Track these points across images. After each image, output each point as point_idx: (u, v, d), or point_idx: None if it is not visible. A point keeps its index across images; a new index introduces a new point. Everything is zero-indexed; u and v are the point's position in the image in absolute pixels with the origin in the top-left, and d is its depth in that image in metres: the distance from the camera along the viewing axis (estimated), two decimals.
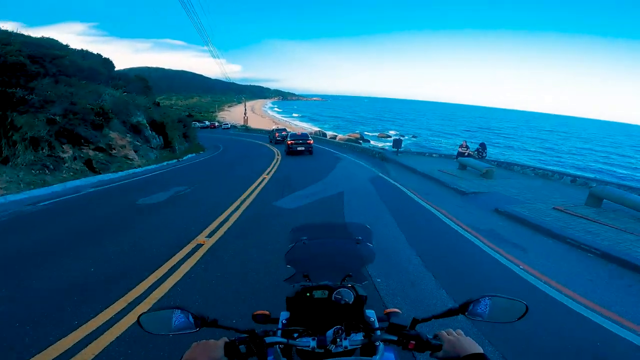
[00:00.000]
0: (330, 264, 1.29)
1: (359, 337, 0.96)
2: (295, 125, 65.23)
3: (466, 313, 0.94)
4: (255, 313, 1.15)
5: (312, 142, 18.12)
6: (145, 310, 0.92)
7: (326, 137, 41.75)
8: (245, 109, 44.96)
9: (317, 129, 44.72)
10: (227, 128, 53.26)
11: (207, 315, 0.89)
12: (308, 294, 1.15)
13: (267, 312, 1.15)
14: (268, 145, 26.15)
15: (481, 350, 0.84)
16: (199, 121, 61.34)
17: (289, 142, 17.86)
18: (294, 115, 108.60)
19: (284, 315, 1.20)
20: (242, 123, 49.68)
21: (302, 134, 19.31)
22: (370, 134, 56.61)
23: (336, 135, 47.38)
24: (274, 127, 30.16)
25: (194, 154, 19.01)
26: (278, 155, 17.59)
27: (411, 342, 0.92)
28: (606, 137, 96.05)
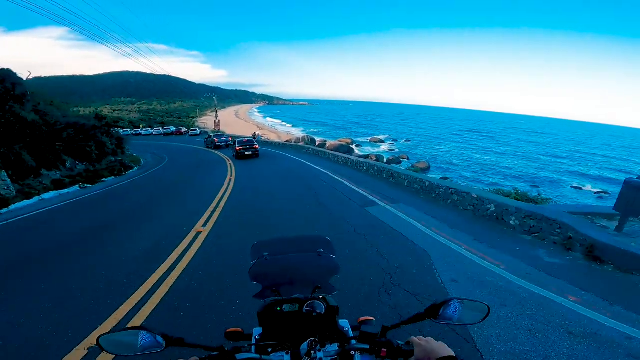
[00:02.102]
0: (297, 278, 1.22)
1: (333, 347, 0.98)
2: (282, 130, 61.92)
3: (438, 318, 0.96)
4: (228, 331, 1.13)
5: (257, 146, 20.55)
6: (105, 332, 0.84)
7: (315, 143, 38.62)
8: (217, 112, 39.83)
9: (304, 134, 41.47)
10: (196, 134, 45.26)
11: (172, 335, 0.87)
12: (278, 308, 1.11)
13: (239, 329, 1.14)
14: (220, 154, 22.94)
15: (452, 353, 0.84)
16: (162, 126, 56.62)
17: (237, 148, 19.86)
18: (277, 119, 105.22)
19: (256, 331, 1.16)
20: (214, 128, 42.07)
21: (248, 140, 21.58)
22: (361, 139, 53.78)
23: (325, 142, 44.34)
24: (258, 132, 26.72)
25: (111, 178, 14.73)
26: (231, 173, 13.88)
27: (383, 349, 0.93)
28: (591, 138, 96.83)
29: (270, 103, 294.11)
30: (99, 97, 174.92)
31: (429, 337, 0.92)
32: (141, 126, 57.95)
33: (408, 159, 38.91)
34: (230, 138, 28.27)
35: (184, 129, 51.07)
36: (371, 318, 1.17)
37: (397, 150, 44.66)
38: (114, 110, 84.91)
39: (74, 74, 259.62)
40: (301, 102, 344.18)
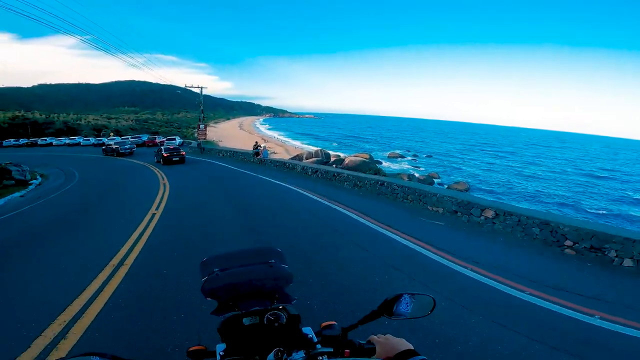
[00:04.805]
0: (253, 290, 1.17)
1: (300, 355, 0.96)
2: (292, 145, 56.72)
3: (392, 315, 0.99)
4: (190, 349, 1.06)
5: (184, 153, 21.49)
6: (59, 358, 0.73)
7: (329, 158, 33.02)
8: (202, 118, 29.91)
9: (317, 148, 36.01)
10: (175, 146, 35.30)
11: (130, 358, 0.85)
12: (239, 322, 1.09)
13: (202, 347, 1.07)
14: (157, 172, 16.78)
15: (411, 347, 0.88)
16: (152, 135, 48.93)
17: (165, 155, 20.26)
18: (284, 132, 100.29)
19: (220, 347, 1.09)
20: (198, 137, 30.38)
21: (174, 147, 22.35)
22: (379, 154, 48.17)
23: (340, 156, 38.78)
24: (263, 144, 21.31)
25: None
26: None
27: (346, 350, 0.96)
28: (615, 154, 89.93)
29: (275, 115, 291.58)
30: (103, 105, 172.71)
31: (388, 334, 0.97)
32: (110, 134, 50.72)
33: (439, 177, 33.28)
34: (135, 145, 25.93)
35: (159, 138, 40.04)
36: (333, 322, 1.08)
37: (422, 168, 38.99)
38: (108, 119, 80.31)
39: (80, 82, 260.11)
40: (307, 115, 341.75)
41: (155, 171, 17.15)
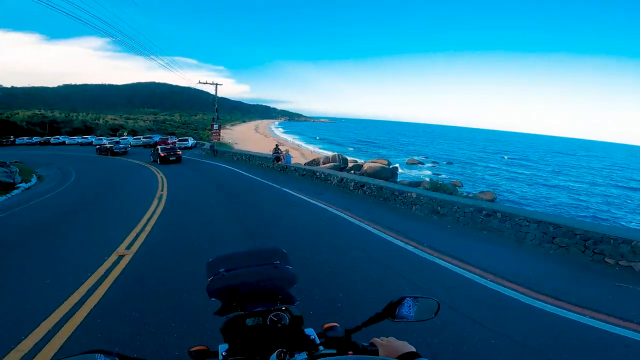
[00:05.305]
0: (257, 291, 1.17)
1: (302, 356, 0.96)
2: (306, 149, 55.76)
3: (395, 318, 0.99)
4: (192, 349, 1.04)
5: (180, 153, 21.96)
6: (59, 358, 0.79)
7: (347, 164, 31.69)
8: (215, 118, 28.89)
9: (333, 153, 34.77)
10: (188, 147, 34.76)
11: (135, 355, 0.83)
12: (242, 323, 1.08)
13: (204, 347, 1.05)
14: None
15: (413, 349, 0.88)
16: (169, 135, 47.75)
17: (162, 155, 20.64)
18: (299, 135, 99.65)
19: (222, 348, 1.09)
20: (212, 139, 28.98)
21: (171, 147, 22.92)
22: (397, 160, 46.49)
23: (357, 161, 37.40)
24: (283, 148, 20.31)
25: None
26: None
27: (349, 352, 0.96)
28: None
29: (290, 119, 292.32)
30: (124, 106, 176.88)
31: (391, 337, 0.95)
32: (125, 134, 51.12)
33: (461, 185, 31.45)
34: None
35: (172, 139, 38.86)
36: (336, 324, 1.09)
37: (444, 175, 37.17)
38: (127, 119, 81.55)
39: (103, 82, 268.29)
40: (322, 119, 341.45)
41: (154, 171, 16.64)
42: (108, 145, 28.16)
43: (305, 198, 10.07)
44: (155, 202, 9.29)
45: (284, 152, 18.79)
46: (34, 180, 15.36)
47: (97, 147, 30.26)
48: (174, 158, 20.90)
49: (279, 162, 17.64)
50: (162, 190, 11.34)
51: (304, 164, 23.66)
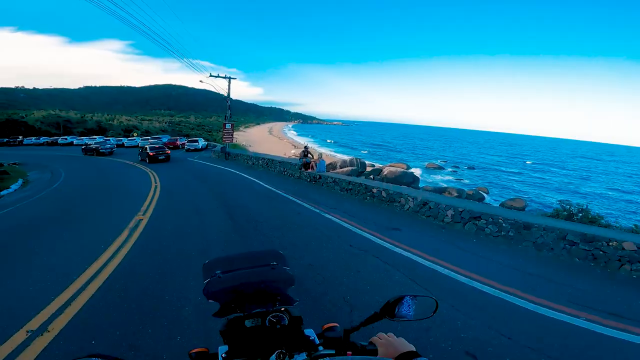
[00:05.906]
0: (255, 292, 1.15)
1: (302, 357, 0.96)
2: (320, 152, 54.46)
3: (394, 317, 0.97)
4: (192, 351, 1.04)
5: (169, 152, 22.78)
6: None
7: (365, 168, 30.17)
8: (228, 116, 26.84)
9: (351, 157, 33.28)
10: (198, 149, 31.93)
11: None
12: (241, 324, 1.08)
13: (205, 349, 1.06)
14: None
15: (413, 348, 0.86)
16: (180, 136, 46.94)
17: (151, 154, 21.21)
18: (314, 138, 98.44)
19: (222, 349, 1.08)
20: (224, 140, 26.54)
21: (159, 146, 23.25)
22: (415, 163, 44.64)
23: (375, 166, 35.81)
24: (301, 152, 19.14)
25: None
26: None
27: (348, 352, 0.95)
28: None
29: (304, 122, 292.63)
30: (141, 108, 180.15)
31: (390, 333, 0.94)
32: (134, 135, 50.87)
33: (488, 192, 29.50)
34: (116, 145, 25.79)
35: (182, 140, 36.97)
36: (335, 324, 1.08)
37: (467, 181, 35.17)
38: (142, 120, 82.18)
39: (122, 84, 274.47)
40: (335, 122, 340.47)
41: (148, 171, 15.63)
42: (94, 146, 28.55)
43: (375, 239, 5.84)
44: (133, 222, 6.96)
45: (317, 158, 15.24)
46: (15, 186, 13.49)
47: (83, 147, 30.23)
48: (163, 157, 21.61)
49: (309, 170, 14.29)
50: (147, 209, 8.27)
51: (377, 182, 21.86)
